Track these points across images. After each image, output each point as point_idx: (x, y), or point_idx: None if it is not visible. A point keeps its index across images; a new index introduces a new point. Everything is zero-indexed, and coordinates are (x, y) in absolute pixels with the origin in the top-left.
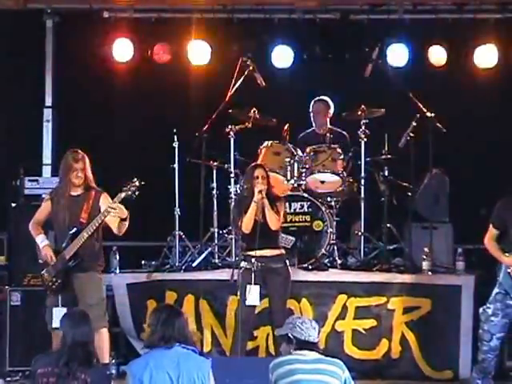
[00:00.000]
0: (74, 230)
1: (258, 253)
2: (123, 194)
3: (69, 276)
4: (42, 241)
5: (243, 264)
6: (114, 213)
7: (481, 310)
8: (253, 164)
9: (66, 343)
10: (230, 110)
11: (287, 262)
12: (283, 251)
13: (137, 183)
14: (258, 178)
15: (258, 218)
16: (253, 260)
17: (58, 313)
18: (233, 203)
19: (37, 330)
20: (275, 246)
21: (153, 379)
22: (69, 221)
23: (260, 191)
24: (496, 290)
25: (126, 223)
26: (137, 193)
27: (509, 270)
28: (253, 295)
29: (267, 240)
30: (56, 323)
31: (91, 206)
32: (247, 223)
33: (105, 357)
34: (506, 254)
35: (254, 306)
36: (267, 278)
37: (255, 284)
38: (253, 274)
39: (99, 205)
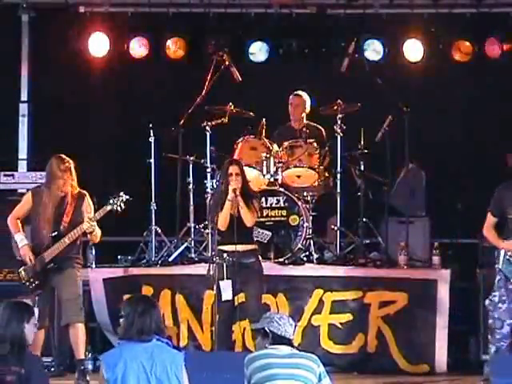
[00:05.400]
0: (56, 233)
1: (231, 248)
2: (109, 207)
3: (46, 276)
4: (21, 240)
5: (216, 259)
6: (88, 230)
7: (487, 301)
8: (228, 160)
9: None
10: (206, 106)
11: (259, 256)
12: (256, 246)
13: (123, 198)
14: (232, 175)
15: (233, 213)
16: (225, 255)
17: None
18: (209, 198)
19: None
20: (248, 241)
21: (127, 369)
22: (51, 222)
23: (234, 189)
24: (497, 277)
25: (96, 234)
26: (123, 206)
27: (507, 256)
28: (226, 291)
29: (240, 235)
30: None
31: (74, 209)
32: (222, 221)
33: (80, 352)
34: (506, 242)
35: (229, 301)
36: (240, 274)
37: (227, 279)
38: (225, 269)
39: (81, 209)
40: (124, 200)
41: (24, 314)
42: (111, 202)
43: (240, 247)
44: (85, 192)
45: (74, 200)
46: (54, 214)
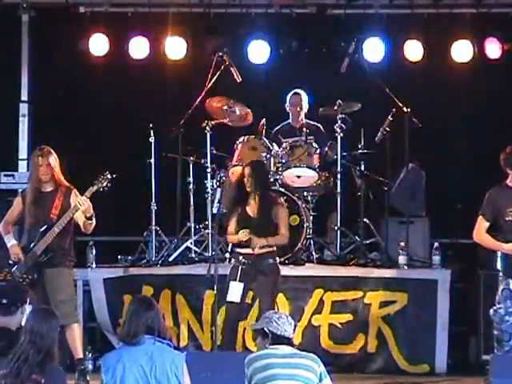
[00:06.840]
0: (45, 227)
1: (247, 250)
2: (95, 188)
3: (39, 272)
4: (9, 241)
5: (233, 261)
6: (82, 207)
7: (491, 311)
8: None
9: (24, 343)
10: (206, 105)
11: (277, 258)
12: (274, 248)
13: (108, 176)
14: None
15: (253, 215)
16: (240, 257)
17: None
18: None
19: None
20: None
21: (125, 373)
22: (40, 217)
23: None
24: (500, 286)
25: (93, 222)
26: (108, 185)
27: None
28: (234, 292)
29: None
30: None
31: (62, 203)
32: (230, 240)
33: (78, 351)
34: (509, 244)
35: (235, 303)
36: (256, 276)
37: (240, 281)
38: (239, 272)
39: (70, 201)
40: (109, 178)
41: (58, 322)
42: (96, 181)
43: (257, 249)
44: (72, 187)
45: (62, 194)
46: (42, 208)
